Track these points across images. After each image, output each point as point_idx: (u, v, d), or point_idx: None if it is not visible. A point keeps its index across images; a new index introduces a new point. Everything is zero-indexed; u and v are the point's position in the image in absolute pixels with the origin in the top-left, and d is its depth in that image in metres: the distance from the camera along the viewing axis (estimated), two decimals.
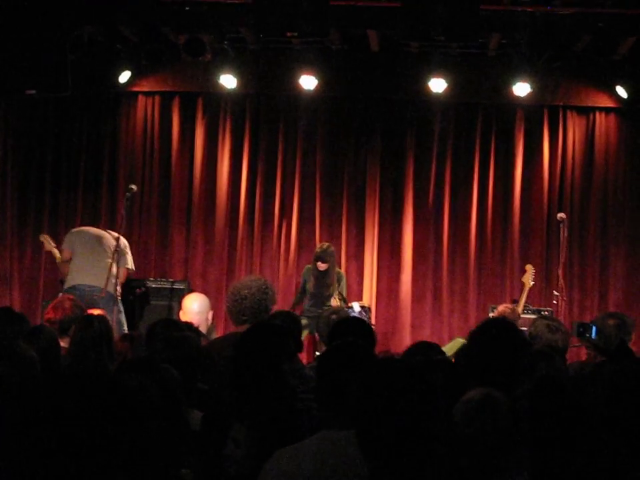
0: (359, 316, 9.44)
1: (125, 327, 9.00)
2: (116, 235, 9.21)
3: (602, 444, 2.73)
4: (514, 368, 4.02)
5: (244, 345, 3.85)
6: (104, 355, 5.16)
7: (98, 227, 9.78)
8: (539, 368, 4.90)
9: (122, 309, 9.18)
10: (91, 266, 9.05)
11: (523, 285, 9.72)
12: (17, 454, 2.10)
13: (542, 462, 2.76)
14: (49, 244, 9.75)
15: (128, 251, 9.45)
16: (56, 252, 9.59)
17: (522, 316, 8.82)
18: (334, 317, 6.34)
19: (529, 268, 9.79)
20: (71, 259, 9.25)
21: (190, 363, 4.30)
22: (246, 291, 6.08)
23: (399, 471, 2.56)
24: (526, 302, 9.62)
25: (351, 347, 3.46)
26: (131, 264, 9.48)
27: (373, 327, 5.95)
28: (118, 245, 9.04)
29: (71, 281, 9.12)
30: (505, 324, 4.41)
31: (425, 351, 4.73)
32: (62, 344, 5.52)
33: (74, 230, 9.74)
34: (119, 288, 9.06)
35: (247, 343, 3.86)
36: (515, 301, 9.69)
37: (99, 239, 9.32)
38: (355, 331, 4.76)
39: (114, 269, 8.98)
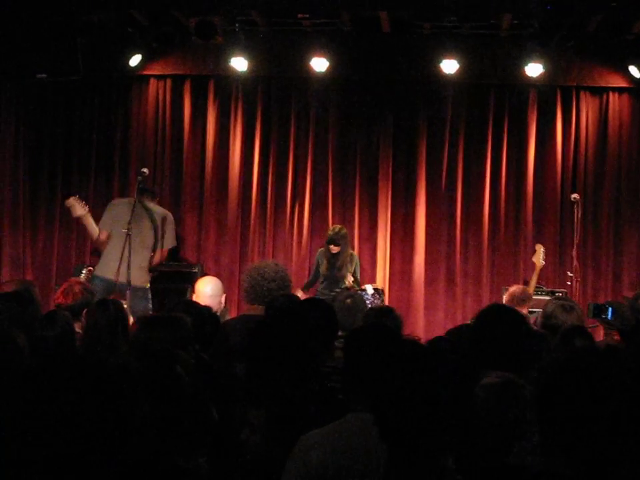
0: (371, 298, 9.45)
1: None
2: (161, 212, 9.19)
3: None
4: (518, 353, 4.02)
5: (263, 329, 3.82)
6: (119, 340, 5.15)
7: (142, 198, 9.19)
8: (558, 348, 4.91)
9: (149, 296, 9.04)
10: (122, 260, 8.49)
11: (534, 265, 9.63)
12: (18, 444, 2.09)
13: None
14: (81, 208, 8.83)
15: (170, 227, 9.33)
16: (90, 219, 8.90)
17: (536, 297, 8.81)
18: (349, 300, 6.33)
19: (539, 247, 9.70)
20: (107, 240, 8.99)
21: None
22: (272, 274, 6.10)
23: (418, 453, 2.56)
24: (539, 283, 9.59)
25: (378, 329, 3.46)
26: (171, 242, 9.37)
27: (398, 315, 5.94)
28: (162, 227, 9.03)
29: (100, 271, 8.94)
30: (504, 311, 4.40)
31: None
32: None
33: (114, 204, 9.33)
34: (147, 277, 9.02)
35: (267, 327, 3.84)
36: (527, 282, 9.65)
37: (139, 226, 8.86)
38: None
39: (143, 262, 8.90)
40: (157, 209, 9.40)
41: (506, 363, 3.90)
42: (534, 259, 9.66)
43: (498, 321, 4.16)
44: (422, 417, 2.54)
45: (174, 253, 10.75)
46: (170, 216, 9.50)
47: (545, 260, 9.61)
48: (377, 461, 2.86)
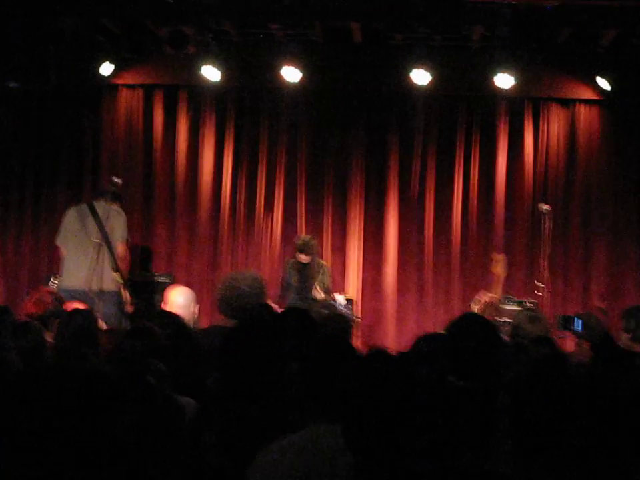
0: (343, 309, 9.45)
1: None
2: (104, 210, 8.85)
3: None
4: (489, 362, 4.04)
5: (235, 338, 3.80)
6: (88, 349, 5.11)
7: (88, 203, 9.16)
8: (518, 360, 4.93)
9: (121, 300, 8.79)
10: (82, 267, 8.50)
11: (495, 275, 9.35)
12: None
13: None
14: None
15: (117, 221, 8.96)
16: None
17: (506, 307, 8.84)
18: (324, 310, 6.34)
19: (500, 257, 9.48)
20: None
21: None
22: (246, 288, 6.04)
23: (384, 464, 2.56)
24: (508, 293, 9.60)
25: (335, 341, 3.46)
26: (122, 235, 8.97)
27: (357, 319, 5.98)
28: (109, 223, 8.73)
29: (65, 283, 8.77)
30: (479, 320, 4.43)
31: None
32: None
33: (65, 217, 9.19)
34: (118, 279, 8.74)
35: (239, 336, 3.82)
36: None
37: (85, 229, 8.81)
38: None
39: (105, 264, 8.66)
40: (104, 209, 9.00)
41: (477, 372, 3.92)
42: (495, 270, 9.40)
43: (471, 330, 4.18)
44: (388, 427, 2.54)
45: (144, 263, 10.72)
46: (113, 210, 9.04)
47: (506, 270, 9.48)
48: (341, 472, 2.85)
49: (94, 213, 8.85)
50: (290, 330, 4.70)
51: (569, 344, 7.44)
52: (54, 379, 2.13)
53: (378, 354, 3.00)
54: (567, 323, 6.88)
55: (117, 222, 8.96)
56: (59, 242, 9.10)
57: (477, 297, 8.46)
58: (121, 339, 4.72)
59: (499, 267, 9.37)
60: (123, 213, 9.17)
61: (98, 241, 8.40)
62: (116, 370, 2.97)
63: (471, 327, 4.21)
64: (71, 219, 9.06)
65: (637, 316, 6.56)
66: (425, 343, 4.83)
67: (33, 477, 2.05)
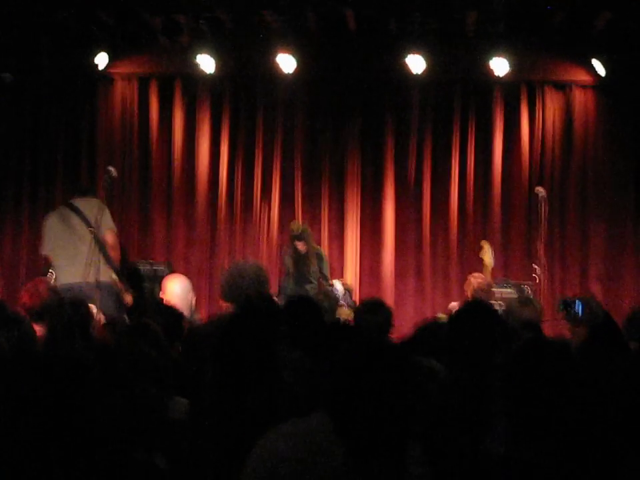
0: (341, 295, 9.47)
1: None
2: (88, 205, 8.57)
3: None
4: (492, 348, 4.06)
5: (233, 326, 3.81)
6: (79, 341, 5.09)
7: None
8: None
9: (117, 291, 8.57)
10: (75, 263, 8.26)
11: (483, 264, 9.17)
12: None
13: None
14: None
15: (102, 213, 8.53)
16: None
17: (502, 290, 8.85)
18: (324, 300, 6.36)
19: (486, 244, 9.36)
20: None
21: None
22: (251, 274, 6.08)
23: (375, 450, 2.58)
24: (504, 276, 9.61)
25: (338, 327, 3.47)
26: (108, 225, 8.62)
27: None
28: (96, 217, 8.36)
29: (61, 280, 8.45)
30: (483, 308, 4.44)
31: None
32: (39, 329, 5.48)
33: (45, 224, 8.85)
34: (109, 271, 8.48)
35: (236, 327, 3.82)
36: None
37: (77, 230, 8.56)
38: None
39: (100, 256, 8.46)
40: (85, 205, 8.72)
41: (480, 359, 3.93)
42: (483, 257, 9.25)
43: (476, 318, 4.19)
44: (376, 411, 2.55)
45: (143, 252, 10.71)
46: (94, 204, 8.66)
47: (492, 258, 9.28)
48: (336, 461, 2.87)
49: (76, 210, 8.66)
50: (295, 319, 4.73)
51: (564, 329, 7.43)
52: (31, 367, 2.15)
53: (366, 340, 3.01)
54: (567, 305, 6.87)
55: (101, 214, 8.51)
56: (45, 251, 8.74)
57: (468, 279, 8.45)
58: (120, 336, 4.71)
59: (486, 255, 9.27)
60: (105, 206, 8.66)
61: (92, 229, 8.25)
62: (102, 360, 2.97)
63: (476, 317, 4.22)
64: (52, 224, 8.71)
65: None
66: (426, 333, 4.84)
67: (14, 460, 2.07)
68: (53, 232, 8.68)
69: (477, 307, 4.50)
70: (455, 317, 4.37)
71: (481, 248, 9.44)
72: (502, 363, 3.10)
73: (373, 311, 5.85)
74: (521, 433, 2.80)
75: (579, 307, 6.77)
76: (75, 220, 8.60)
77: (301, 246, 9.72)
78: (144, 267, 10.23)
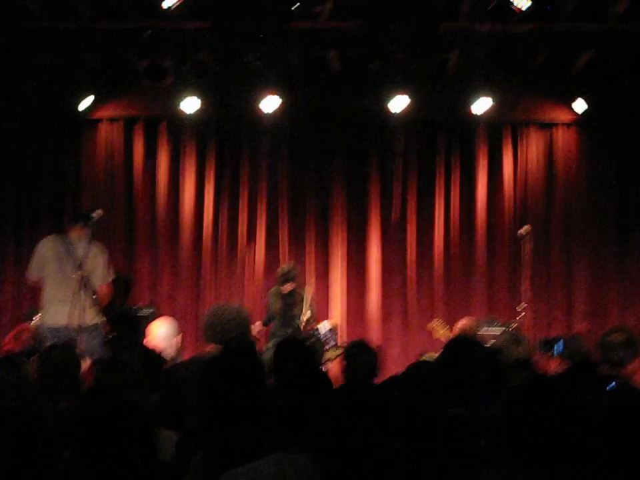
0: (324, 337, 9.44)
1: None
2: (86, 246, 8.29)
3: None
4: (482, 382, 4.05)
5: (214, 368, 3.80)
6: (65, 386, 5.04)
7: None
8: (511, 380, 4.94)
9: (101, 332, 8.37)
10: (64, 302, 8.06)
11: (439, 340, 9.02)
12: None
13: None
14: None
15: (101, 261, 8.47)
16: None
17: (489, 329, 8.85)
18: (310, 342, 6.36)
19: (434, 324, 9.40)
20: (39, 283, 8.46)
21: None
22: (233, 315, 6.06)
23: None
24: (491, 315, 9.63)
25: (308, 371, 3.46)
26: (103, 276, 8.48)
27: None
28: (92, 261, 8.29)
29: (47, 319, 8.22)
30: (469, 342, 4.44)
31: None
32: None
33: (39, 247, 8.55)
34: (94, 316, 8.29)
35: (219, 366, 3.81)
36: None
37: (66, 259, 8.35)
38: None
39: (86, 299, 8.14)
40: (84, 246, 8.41)
41: (471, 397, 3.93)
42: (439, 337, 9.14)
43: (466, 355, 4.19)
44: (359, 454, 2.55)
45: (127, 295, 10.66)
46: (95, 248, 8.50)
47: (447, 330, 9.15)
48: None
49: (74, 248, 8.58)
50: (286, 361, 4.75)
51: (553, 365, 7.42)
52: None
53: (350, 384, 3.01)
54: (547, 345, 6.88)
55: (99, 261, 8.50)
56: (34, 273, 8.47)
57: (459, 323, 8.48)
58: (97, 374, 4.71)
59: (440, 332, 9.19)
60: (105, 250, 8.69)
61: (80, 273, 8.18)
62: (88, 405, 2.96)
63: (467, 354, 4.22)
64: (47, 248, 8.47)
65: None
66: (417, 371, 4.82)
67: None
68: (47, 256, 8.40)
69: (462, 342, 4.50)
70: (441, 353, 4.37)
71: (432, 329, 9.40)
72: (503, 399, 3.12)
73: (362, 353, 5.86)
74: (522, 466, 2.83)
75: (559, 347, 6.78)
76: (73, 255, 8.37)
77: (287, 287, 9.72)
78: (129, 311, 10.19)
